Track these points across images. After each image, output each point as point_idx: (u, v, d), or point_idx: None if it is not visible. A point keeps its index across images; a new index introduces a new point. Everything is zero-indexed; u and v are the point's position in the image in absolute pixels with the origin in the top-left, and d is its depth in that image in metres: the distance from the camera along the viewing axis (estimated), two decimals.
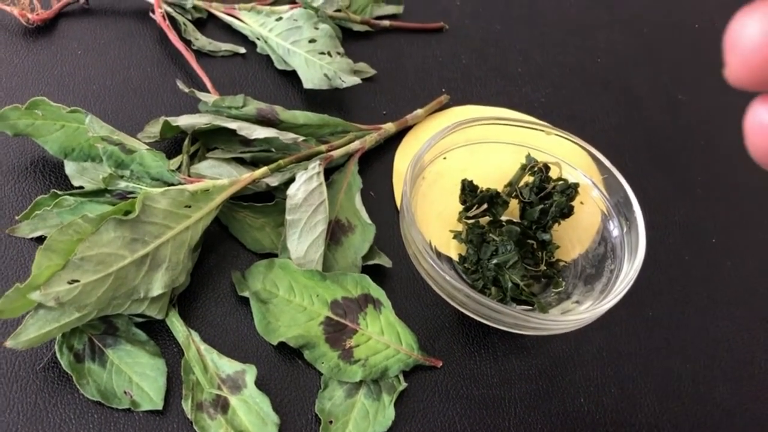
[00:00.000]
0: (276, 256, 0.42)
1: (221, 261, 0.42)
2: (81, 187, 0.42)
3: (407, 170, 0.40)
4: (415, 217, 0.39)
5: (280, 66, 0.51)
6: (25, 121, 0.43)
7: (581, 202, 0.44)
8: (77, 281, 0.34)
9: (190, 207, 0.39)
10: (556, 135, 0.45)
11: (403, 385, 0.38)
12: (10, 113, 0.42)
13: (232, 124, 0.44)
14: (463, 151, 0.44)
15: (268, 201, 0.44)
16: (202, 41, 0.52)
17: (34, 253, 0.34)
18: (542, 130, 0.45)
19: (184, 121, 0.44)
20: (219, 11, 0.54)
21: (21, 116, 0.42)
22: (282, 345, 0.38)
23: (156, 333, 0.39)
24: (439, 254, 0.42)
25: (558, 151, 0.45)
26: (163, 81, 0.50)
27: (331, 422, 0.37)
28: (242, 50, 0.53)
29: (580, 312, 0.39)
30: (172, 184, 0.41)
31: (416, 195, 0.42)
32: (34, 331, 0.35)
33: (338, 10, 0.54)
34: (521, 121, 0.45)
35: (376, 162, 0.48)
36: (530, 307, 0.40)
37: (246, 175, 0.42)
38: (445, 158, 0.44)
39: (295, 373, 0.38)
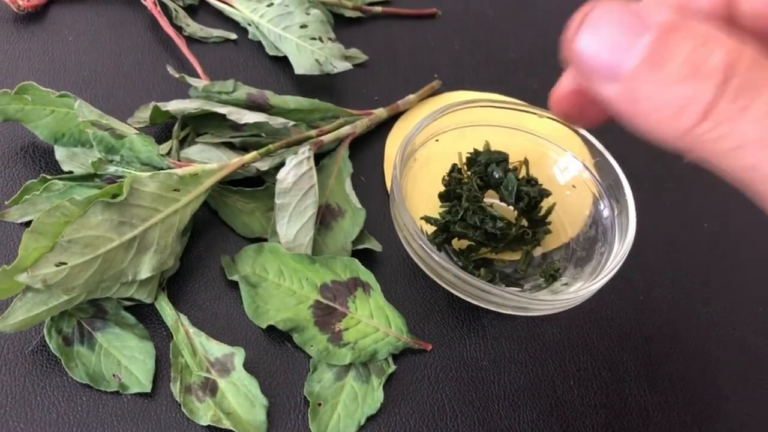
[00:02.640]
0: (266, 240, 0.42)
1: (211, 245, 0.42)
2: (71, 172, 0.42)
3: (397, 152, 0.40)
4: (405, 199, 0.39)
5: (271, 52, 0.51)
6: (14, 106, 0.43)
7: (573, 186, 0.44)
8: (65, 264, 0.34)
9: (178, 191, 0.39)
10: (548, 118, 0.45)
11: (393, 368, 0.38)
12: None
13: (222, 109, 0.44)
14: (454, 134, 0.44)
15: (258, 186, 0.44)
16: (193, 27, 0.52)
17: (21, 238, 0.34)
18: (534, 113, 0.45)
19: (174, 106, 0.44)
20: None
21: (10, 101, 0.42)
22: (271, 328, 0.38)
23: (145, 317, 0.39)
24: (429, 236, 0.42)
25: (550, 134, 0.45)
26: (154, 67, 0.50)
27: (320, 404, 0.37)
28: (233, 36, 0.52)
29: (569, 292, 0.39)
30: (162, 169, 0.41)
31: (407, 177, 0.42)
32: (22, 314, 0.35)
33: None
34: (513, 103, 0.45)
35: (367, 147, 0.48)
36: (519, 289, 0.40)
37: (235, 160, 0.42)
38: (437, 140, 0.44)
39: (284, 357, 0.38)
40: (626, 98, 0.20)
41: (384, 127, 0.49)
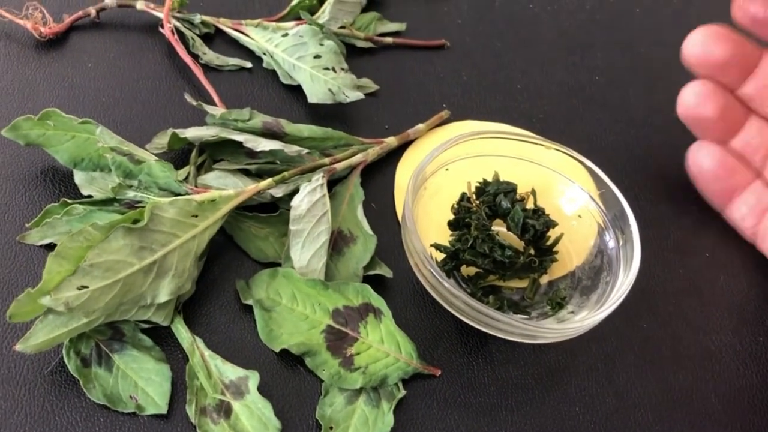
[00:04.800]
0: (279, 265, 0.43)
1: (225, 269, 0.43)
2: (90, 196, 0.43)
3: (409, 181, 0.41)
4: (417, 226, 0.40)
5: (285, 80, 0.53)
6: (36, 131, 0.44)
7: (579, 216, 0.45)
8: (86, 287, 0.35)
9: (197, 216, 0.40)
10: (555, 149, 0.46)
11: (402, 392, 0.39)
12: (22, 123, 0.44)
13: (239, 137, 0.45)
14: (464, 164, 0.45)
15: (271, 211, 0.45)
16: (209, 56, 0.53)
17: (44, 260, 0.35)
18: (542, 144, 0.46)
19: (192, 133, 0.45)
20: (226, 26, 0.55)
21: (33, 126, 0.44)
22: (284, 352, 0.39)
23: (161, 339, 0.40)
24: (438, 263, 0.43)
25: (556, 165, 0.46)
26: (170, 94, 0.51)
27: (331, 428, 0.37)
28: (248, 65, 0.54)
29: (575, 321, 0.40)
30: (179, 194, 0.42)
31: (417, 205, 0.43)
32: (42, 336, 0.36)
33: (342, 27, 0.56)
34: (521, 135, 0.46)
35: (378, 175, 0.49)
36: (527, 316, 0.41)
37: (251, 186, 0.43)
38: (447, 170, 0.45)
39: (296, 380, 0.39)
40: None
41: (394, 155, 0.50)
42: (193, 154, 0.46)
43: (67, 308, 0.35)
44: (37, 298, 0.34)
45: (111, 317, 0.37)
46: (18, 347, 0.35)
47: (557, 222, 0.44)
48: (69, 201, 0.42)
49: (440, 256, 0.43)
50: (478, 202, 0.45)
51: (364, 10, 0.59)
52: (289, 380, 0.39)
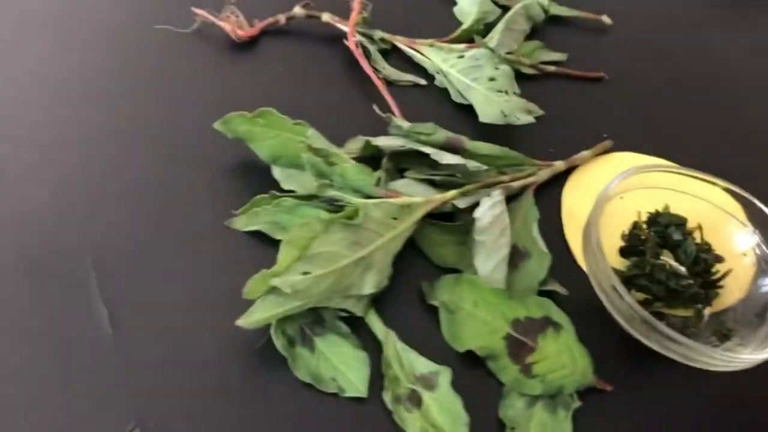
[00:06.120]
0: (458, 271, 0.46)
1: (408, 270, 0.46)
2: (291, 191, 0.47)
3: (595, 205, 0.44)
4: (602, 245, 0.42)
5: (456, 99, 0.56)
6: (244, 127, 0.48)
7: (743, 254, 0.47)
8: (309, 273, 0.39)
9: (396, 219, 0.43)
10: (721, 188, 0.48)
11: (578, 403, 0.41)
12: (233, 119, 0.48)
13: (426, 149, 0.48)
14: (637, 194, 0.48)
15: (446, 220, 0.48)
16: (388, 70, 0.57)
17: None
18: (710, 182, 0.48)
19: (383, 142, 0.49)
20: (402, 44, 0.59)
21: (242, 122, 0.48)
22: (459, 353, 0.42)
23: (354, 329, 0.43)
24: None
25: (721, 202, 0.48)
26: (353, 103, 0.55)
27: (513, 429, 0.40)
28: (423, 82, 0.57)
29: (748, 353, 0.42)
30: (372, 197, 0.46)
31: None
32: (261, 314, 0.39)
33: (510, 53, 0.59)
34: (692, 172, 0.48)
35: (543, 195, 0.52)
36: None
37: (438, 196, 0.46)
38: (621, 198, 0.47)
39: (477, 379, 0.42)
40: None
41: (558, 177, 0.53)
42: (384, 161, 0.49)
43: (293, 290, 0.38)
44: (269, 279, 0.38)
45: (321, 303, 0.41)
46: (239, 322, 0.39)
47: (724, 257, 0.46)
48: (277, 194, 0.46)
49: None
50: (648, 231, 0.47)
51: (526, 38, 0.62)
52: (470, 379, 0.42)
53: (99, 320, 0.41)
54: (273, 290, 0.39)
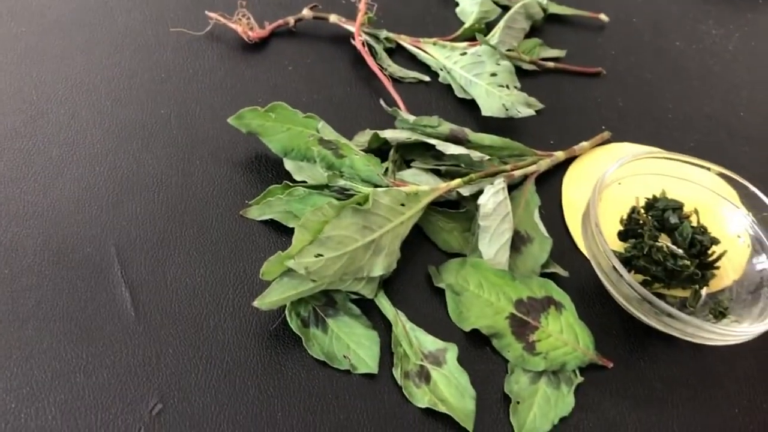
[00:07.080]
0: (463, 255, 0.48)
1: (415, 254, 0.48)
2: (303, 181, 0.49)
3: (593, 191, 0.46)
4: (602, 229, 0.44)
5: (459, 94, 0.58)
6: (257, 121, 0.50)
7: (738, 236, 0.49)
8: (321, 255, 0.41)
9: (404, 206, 0.45)
10: (716, 173, 0.50)
11: (580, 379, 0.43)
12: (247, 114, 0.50)
13: (432, 141, 0.51)
14: (634, 180, 0.50)
15: (450, 208, 0.50)
16: (393, 68, 0.59)
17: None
18: (705, 167, 0.50)
19: (390, 134, 0.51)
20: (407, 43, 0.61)
21: (255, 117, 0.50)
22: (464, 332, 0.44)
23: (364, 311, 0.45)
24: None
25: (716, 187, 0.50)
26: (360, 99, 0.57)
27: (518, 402, 0.42)
28: (427, 78, 0.60)
29: (745, 327, 0.43)
30: (380, 186, 0.48)
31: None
32: (276, 295, 0.42)
33: (510, 50, 0.61)
34: (686, 158, 0.50)
35: (545, 184, 0.54)
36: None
37: (443, 184, 0.48)
38: (620, 184, 0.49)
39: (483, 357, 0.44)
40: None
41: (558, 167, 0.55)
42: (392, 152, 0.51)
43: (306, 272, 0.40)
44: (284, 261, 0.40)
45: (333, 285, 0.43)
46: (255, 303, 0.41)
47: (720, 239, 0.48)
48: (290, 184, 0.48)
49: None
50: (645, 215, 0.49)
51: (526, 36, 0.64)
52: (476, 356, 0.44)
53: (122, 304, 0.43)
54: (287, 273, 0.41)
